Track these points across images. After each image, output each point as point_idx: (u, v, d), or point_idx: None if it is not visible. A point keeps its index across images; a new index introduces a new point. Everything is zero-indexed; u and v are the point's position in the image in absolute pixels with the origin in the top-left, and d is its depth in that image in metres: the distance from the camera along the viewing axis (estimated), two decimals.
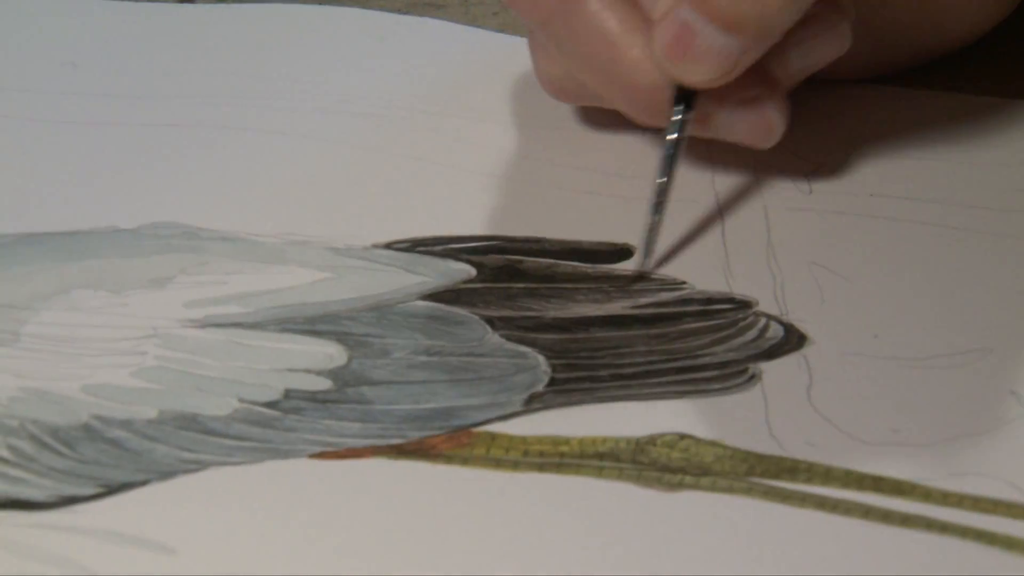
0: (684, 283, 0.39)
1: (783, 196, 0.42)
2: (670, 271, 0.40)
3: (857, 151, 0.44)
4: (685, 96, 0.39)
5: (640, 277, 0.39)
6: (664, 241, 0.40)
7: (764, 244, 0.40)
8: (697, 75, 0.38)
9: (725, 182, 0.43)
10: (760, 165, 0.43)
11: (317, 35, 0.50)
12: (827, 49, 0.40)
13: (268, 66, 0.49)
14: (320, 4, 0.52)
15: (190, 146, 0.44)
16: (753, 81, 0.39)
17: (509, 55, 0.48)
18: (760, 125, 0.40)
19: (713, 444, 0.34)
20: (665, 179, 0.40)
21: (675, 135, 0.40)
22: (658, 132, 0.41)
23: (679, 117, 0.40)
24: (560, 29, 0.41)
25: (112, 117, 0.46)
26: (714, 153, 0.44)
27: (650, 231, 0.39)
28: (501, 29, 0.50)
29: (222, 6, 0.52)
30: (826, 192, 0.43)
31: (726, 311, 0.38)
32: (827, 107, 0.46)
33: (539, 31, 0.42)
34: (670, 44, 0.38)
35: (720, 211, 0.42)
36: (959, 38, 0.46)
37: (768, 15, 0.38)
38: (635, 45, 0.39)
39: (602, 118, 0.45)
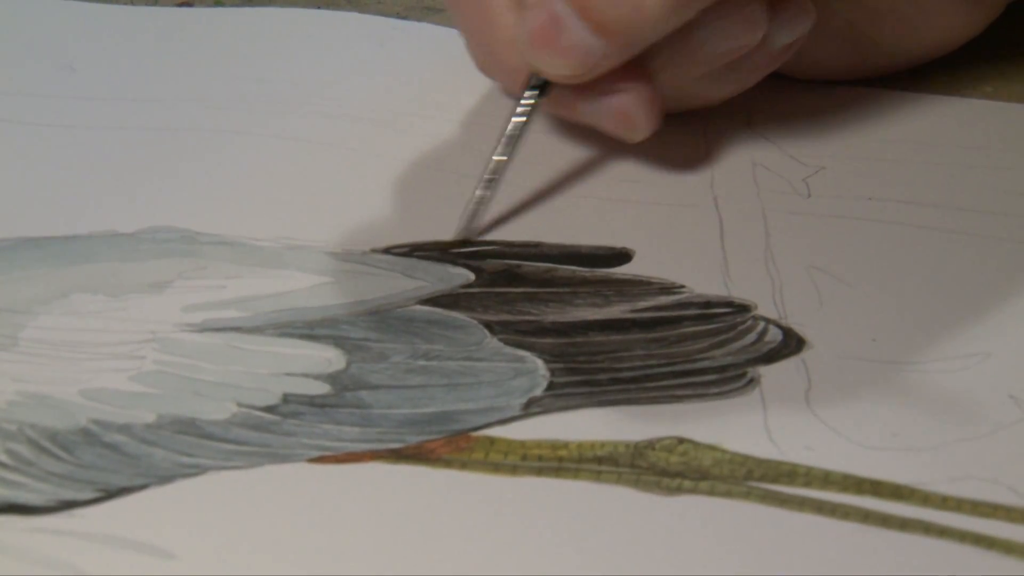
0: (683, 287, 0.39)
1: (781, 200, 0.42)
2: (668, 274, 0.40)
3: (856, 155, 0.44)
4: (540, 82, 0.40)
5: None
6: (662, 244, 0.40)
7: (763, 248, 0.40)
8: (554, 68, 0.39)
9: (723, 186, 0.43)
10: (759, 169, 0.43)
11: (315, 39, 0.50)
12: (740, 35, 0.40)
13: (267, 70, 0.49)
14: (318, 8, 0.52)
15: (188, 150, 0.44)
16: (619, 74, 0.39)
17: None
18: (622, 118, 0.40)
19: (712, 448, 0.34)
20: (504, 157, 0.40)
21: (522, 118, 0.40)
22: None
23: (530, 101, 0.40)
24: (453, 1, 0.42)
25: (110, 121, 0.46)
26: (713, 156, 0.44)
27: (476, 206, 0.40)
28: None
29: (220, 10, 0.52)
30: (825, 196, 0.43)
31: (725, 315, 0.38)
32: (825, 111, 0.46)
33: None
34: (535, 32, 0.38)
35: (719, 215, 0.42)
36: (938, 45, 0.46)
37: (640, 25, 0.38)
38: (509, 23, 0.40)
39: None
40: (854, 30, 0.45)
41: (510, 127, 0.40)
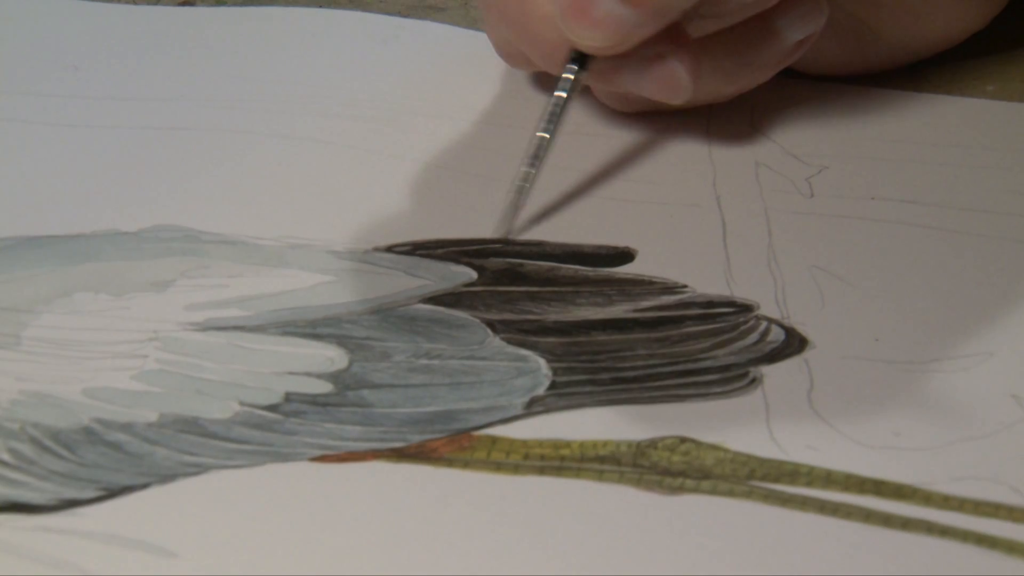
0: (685, 286, 0.39)
1: (784, 199, 0.42)
2: (671, 274, 0.40)
3: (858, 154, 0.44)
4: (580, 56, 0.40)
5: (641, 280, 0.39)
6: (665, 243, 0.40)
7: (765, 247, 0.40)
8: (590, 40, 0.39)
9: (726, 185, 0.43)
10: (761, 168, 0.43)
11: (317, 38, 0.50)
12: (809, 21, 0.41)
13: (269, 69, 0.49)
14: (320, 7, 0.52)
15: (191, 149, 0.44)
16: (659, 38, 0.39)
17: None
18: (666, 81, 0.40)
19: (714, 448, 0.34)
20: (548, 135, 0.40)
21: (564, 92, 0.40)
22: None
23: (571, 76, 0.40)
24: None
25: (113, 120, 0.46)
26: (715, 155, 0.44)
27: (522, 186, 0.40)
28: None
29: (223, 9, 0.52)
30: (827, 195, 0.43)
31: (727, 315, 0.38)
32: (828, 110, 0.46)
33: None
34: (569, 5, 0.38)
35: (721, 214, 0.42)
36: (943, 38, 0.46)
37: None
38: (544, 1, 0.40)
39: (602, 119, 0.45)
40: (857, 24, 0.45)
41: (552, 103, 0.40)
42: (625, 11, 0.38)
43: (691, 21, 0.41)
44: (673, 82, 0.40)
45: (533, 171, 0.40)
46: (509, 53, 0.44)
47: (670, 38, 0.40)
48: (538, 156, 0.40)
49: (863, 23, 0.45)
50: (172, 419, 0.34)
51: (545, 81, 0.46)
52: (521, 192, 0.40)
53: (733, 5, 0.41)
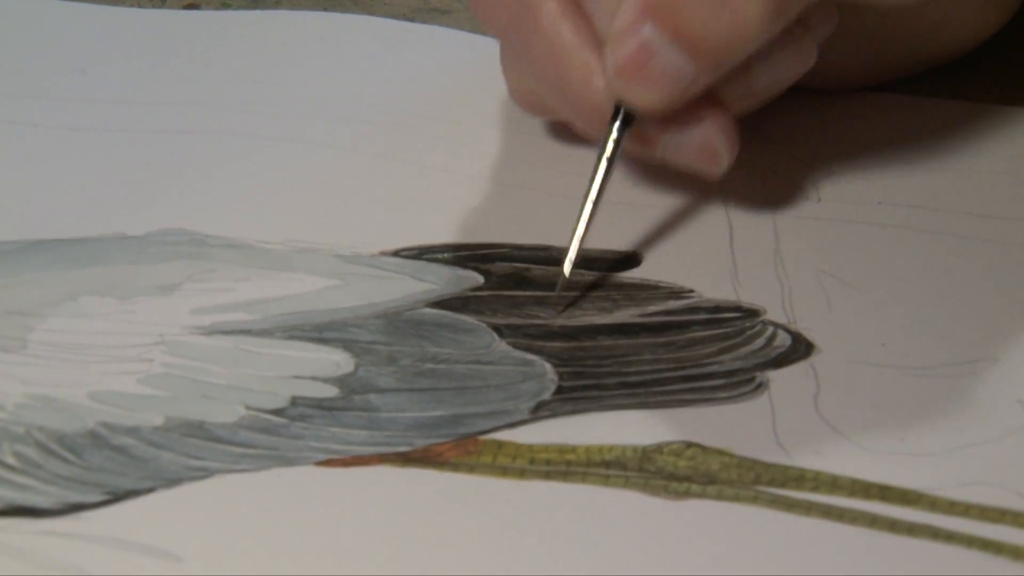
0: (692, 291, 0.39)
1: (791, 204, 0.42)
2: (678, 279, 0.40)
3: (865, 160, 0.44)
4: (625, 114, 0.38)
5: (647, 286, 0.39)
6: (672, 248, 0.40)
7: (772, 252, 0.40)
8: (646, 98, 0.37)
9: (733, 190, 0.43)
10: (769, 174, 0.43)
11: (323, 42, 0.50)
12: (793, 65, 0.39)
13: (275, 73, 0.49)
14: (324, 11, 0.52)
15: (197, 153, 0.44)
16: (698, 105, 0.38)
17: None
18: (704, 151, 0.39)
19: (720, 452, 0.34)
20: (596, 195, 0.39)
21: (608, 153, 0.39)
22: None
23: (615, 136, 0.38)
24: (516, 40, 0.40)
25: (119, 124, 0.46)
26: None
27: (576, 248, 0.39)
28: None
29: (229, 12, 0.52)
30: (834, 200, 0.42)
31: (734, 319, 0.38)
32: (835, 116, 0.46)
33: (502, 42, 0.42)
34: (625, 62, 0.37)
35: (728, 219, 0.42)
36: (958, 45, 0.46)
37: (739, 40, 0.36)
38: (585, 60, 0.38)
39: None
40: (873, 35, 0.44)
41: (600, 169, 0.39)
42: (686, 64, 0.36)
43: (746, 89, 0.40)
44: (712, 151, 0.38)
45: (584, 234, 0.39)
46: (530, 103, 0.43)
47: (709, 105, 0.39)
48: (588, 224, 0.39)
49: (881, 36, 0.44)
50: (178, 423, 0.34)
51: (561, 130, 0.45)
52: (572, 264, 0.39)
53: (761, 87, 0.40)
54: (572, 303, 0.39)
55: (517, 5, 0.39)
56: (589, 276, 0.40)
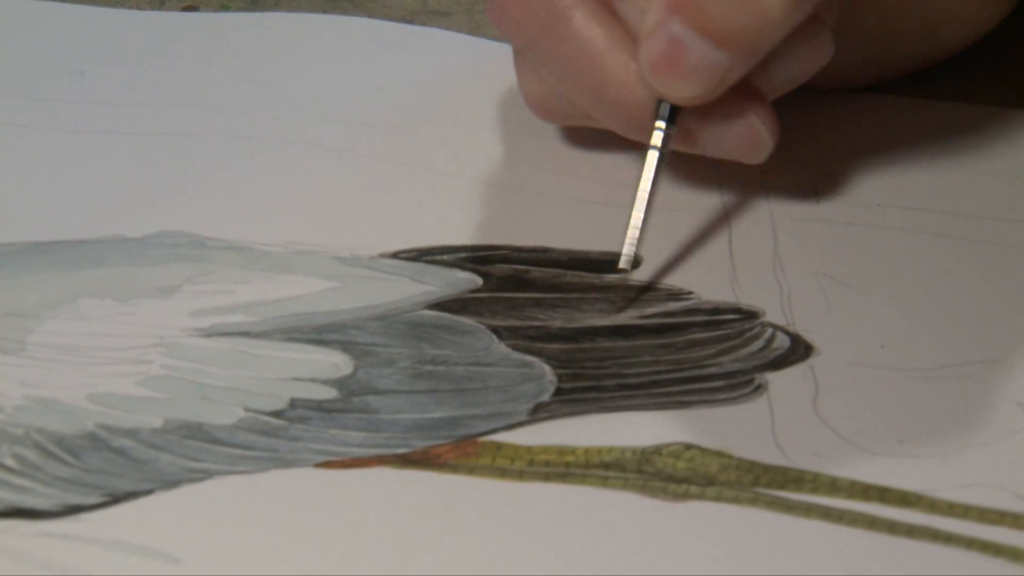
0: (691, 293, 0.39)
1: (790, 206, 0.42)
2: (677, 281, 0.40)
3: (864, 161, 0.44)
4: (669, 111, 0.39)
5: (647, 287, 0.39)
6: (671, 250, 0.40)
7: (771, 254, 0.40)
8: (684, 91, 0.38)
9: (732, 192, 0.43)
10: (767, 175, 0.43)
11: (322, 44, 0.50)
12: (810, 60, 0.40)
13: (274, 75, 0.49)
14: (324, 13, 0.52)
15: (196, 155, 0.44)
16: (737, 94, 0.39)
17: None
18: (747, 138, 0.39)
19: (719, 454, 0.34)
20: (648, 194, 0.39)
21: (657, 151, 0.39)
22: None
23: (662, 133, 0.39)
24: (546, 48, 0.40)
25: (119, 126, 0.46)
26: (721, 161, 0.43)
27: (636, 243, 0.39)
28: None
29: (228, 14, 0.52)
30: (833, 202, 0.42)
31: (733, 321, 0.38)
32: (834, 117, 0.46)
33: (525, 51, 0.42)
34: (658, 59, 0.38)
35: (727, 221, 0.42)
36: (959, 40, 0.46)
37: (762, 30, 0.37)
38: (621, 62, 0.39)
39: (604, 131, 0.45)
40: (873, 32, 0.44)
41: (650, 166, 0.39)
42: (717, 55, 0.37)
43: (767, 83, 0.40)
44: (754, 139, 0.39)
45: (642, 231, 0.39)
46: (550, 110, 0.43)
47: (748, 94, 0.39)
48: (644, 229, 0.39)
49: (882, 33, 0.44)
50: (177, 425, 0.34)
51: (575, 134, 0.45)
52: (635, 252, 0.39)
53: (779, 83, 0.40)
54: (635, 297, 0.39)
55: (546, 12, 0.40)
56: (589, 278, 0.39)
